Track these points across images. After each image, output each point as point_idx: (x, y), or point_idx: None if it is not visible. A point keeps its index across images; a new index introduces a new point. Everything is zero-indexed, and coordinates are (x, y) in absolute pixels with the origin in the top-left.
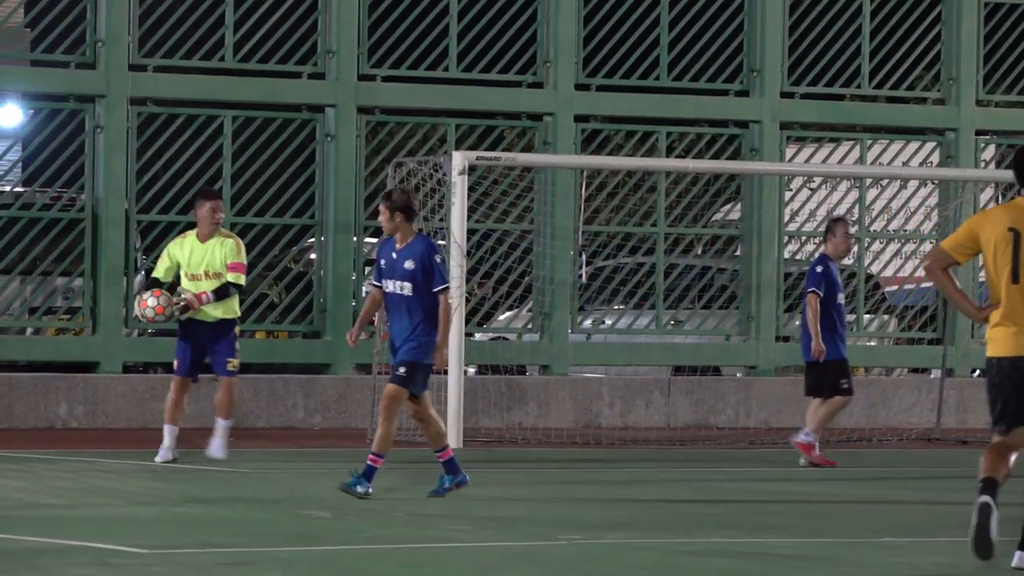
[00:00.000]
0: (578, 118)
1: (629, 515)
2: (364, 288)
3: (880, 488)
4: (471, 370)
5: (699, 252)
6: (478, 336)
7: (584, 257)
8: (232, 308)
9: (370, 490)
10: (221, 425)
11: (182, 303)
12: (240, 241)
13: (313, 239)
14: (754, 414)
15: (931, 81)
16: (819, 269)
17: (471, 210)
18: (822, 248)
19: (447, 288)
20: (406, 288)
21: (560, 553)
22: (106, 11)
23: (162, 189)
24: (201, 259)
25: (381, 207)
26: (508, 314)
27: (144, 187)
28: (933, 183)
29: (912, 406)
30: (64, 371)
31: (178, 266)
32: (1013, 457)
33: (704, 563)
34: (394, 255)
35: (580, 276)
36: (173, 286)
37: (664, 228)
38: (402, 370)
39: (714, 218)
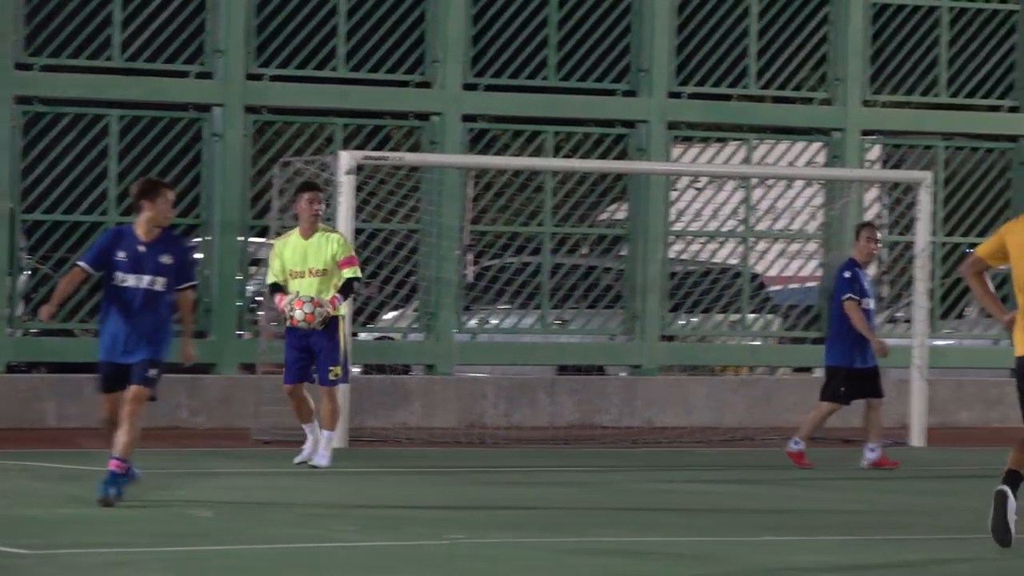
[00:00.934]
0: (465, 118)
1: (514, 515)
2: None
3: (763, 487)
4: (356, 370)
5: (585, 252)
6: (363, 336)
7: (470, 256)
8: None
9: (122, 493)
10: (325, 436)
11: (325, 314)
12: (344, 236)
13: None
14: (638, 413)
15: (817, 81)
16: (847, 275)
17: (358, 209)
18: (851, 252)
19: (196, 285)
20: (158, 283)
21: (445, 553)
22: None
23: (48, 188)
24: (304, 256)
25: (169, 192)
26: (393, 313)
27: (30, 186)
28: (819, 183)
29: (795, 405)
30: None
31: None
32: None
33: (587, 562)
34: (141, 248)
35: (466, 275)
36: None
37: (550, 228)
38: (153, 372)
39: (600, 217)
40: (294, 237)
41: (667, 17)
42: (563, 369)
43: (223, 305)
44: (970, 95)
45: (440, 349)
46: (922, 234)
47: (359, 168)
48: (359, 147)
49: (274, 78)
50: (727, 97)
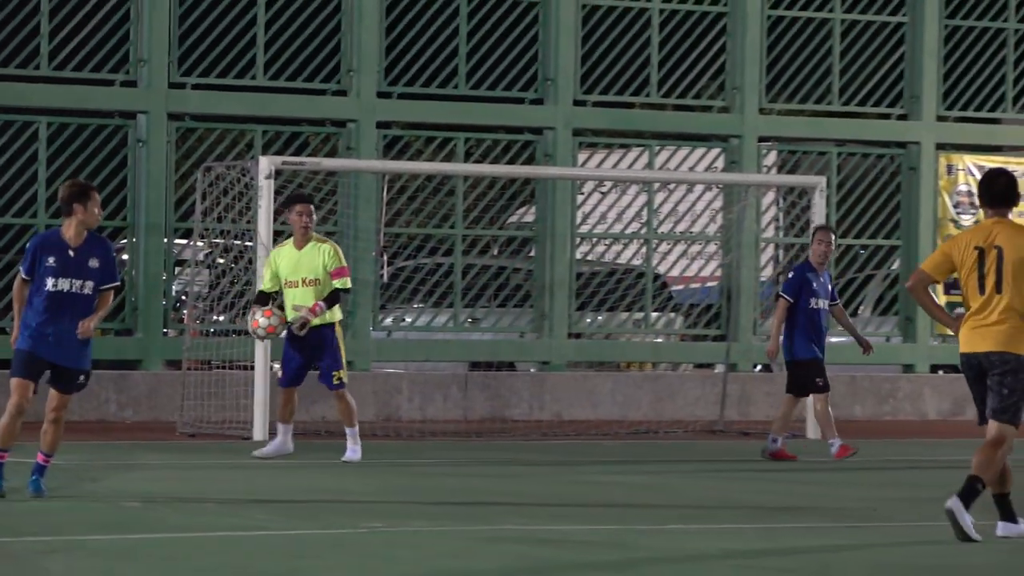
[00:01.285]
0: (380, 124)
1: (428, 504)
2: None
3: (667, 478)
4: (276, 366)
5: (495, 253)
6: (283, 334)
7: (385, 258)
8: (333, 312)
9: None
10: (350, 433)
11: (300, 321)
12: (337, 245)
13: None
14: (547, 407)
15: (716, 90)
16: (791, 275)
17: (277, 213)
18: (807, 254)
19: (118, 286)
20: (87, 287)
21: (363, 541)
22: None
23: None
24: (297, 266)
25: (96, 195)
26: None
27: None
28: (718, 187)
29: (697, 400)
30: None
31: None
32: (1002, 452)
33: (500, 549)
34: (71, 252)
35: (382, 276)
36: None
37: (462, 230)
38: (83, 379)
39: (509, 220)
40: (288, 248)
41: (572, 28)
42: (475, 365)
43: (149, 304)
44: (861, 103)
45: (357, 346)
46: None
47: (278, 173)
48: (278, 153)
49: (196, 86)
50: (630, 105)
